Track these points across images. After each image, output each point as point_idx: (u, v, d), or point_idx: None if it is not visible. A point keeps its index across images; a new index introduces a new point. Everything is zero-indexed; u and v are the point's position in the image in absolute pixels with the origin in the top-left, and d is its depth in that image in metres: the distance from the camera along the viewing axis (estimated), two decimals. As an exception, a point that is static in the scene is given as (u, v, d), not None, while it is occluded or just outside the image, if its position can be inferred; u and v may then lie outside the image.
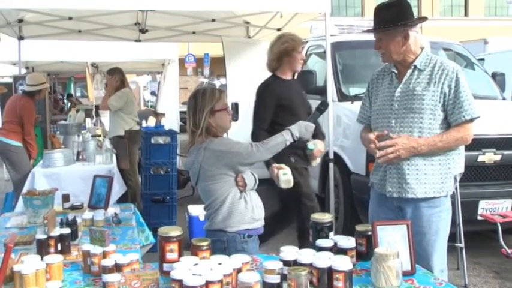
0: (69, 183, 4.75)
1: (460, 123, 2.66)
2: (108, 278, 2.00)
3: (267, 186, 3.24)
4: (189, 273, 1.95)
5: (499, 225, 4.14)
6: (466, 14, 27.68)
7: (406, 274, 2.15)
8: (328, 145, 4.79)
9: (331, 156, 4.96)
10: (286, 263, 2.09)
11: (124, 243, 3.01)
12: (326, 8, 4.98)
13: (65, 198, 3.92)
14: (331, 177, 4.97)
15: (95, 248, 2.38)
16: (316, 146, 3.85)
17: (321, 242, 2.32)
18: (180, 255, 2.25)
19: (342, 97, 5.60)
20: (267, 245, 3.58)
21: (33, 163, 5.72)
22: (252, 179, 2.70)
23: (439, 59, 2.76)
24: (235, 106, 6.07)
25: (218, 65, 13.20)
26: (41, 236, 2.65)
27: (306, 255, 2.13)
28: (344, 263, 2.02)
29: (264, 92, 3.99)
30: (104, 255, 2.33)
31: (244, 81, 6.51)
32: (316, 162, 4.02)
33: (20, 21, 6.90)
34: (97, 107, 9.26)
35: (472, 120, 2.67)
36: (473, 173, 4.64)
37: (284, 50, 3.97)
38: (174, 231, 2.30)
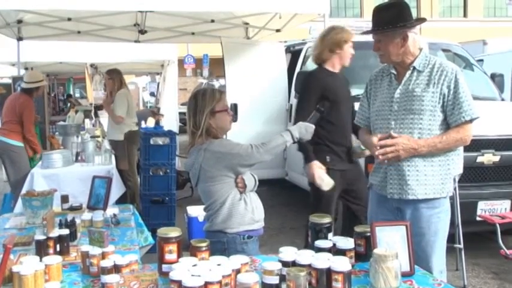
0: (68, 184, 4.75)
1: (459, 124, 2.65)
2: (107, 279, 2.00)
3: (267, 187, 3.21)
4: (188, 274, 1.95)
5: (497, 226, 4.13)
6: (465, 15, 27.67)
7: (405, 275, 2.15)
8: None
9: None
10: (285, 264, 2.09)
11: (123, 244, 3.00)
12: (325, 9, 4.99)
13: (64, 199, 3.91)
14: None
15: (93, 248, 2.38)
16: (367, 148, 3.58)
17: (319, 243, 2.32)
18: (179, 256, 2.25)
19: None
20: (266, 246, 3.58)
21: (35, 162, 5.71)
22: (252, 181, 2.70)
23: (437, 60, 2.76)
24: (235, 107, 6.05)
25: (217, 65, 13.19)
26: (39, 236, 2.65)
27: (305, 256, 2.14)
28: (343, 263, 2.02)
29: (310, 82, 3.74)
30: (103, 256, 2.33)
31: (243, 82, 6.51)
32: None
33: (19, 22, 6.91)
34: (96, 108, 9.26)
35: (471, 121, 2.67)
36: (472, 174, 4.64)
37: (338, 41, 3.72)
38: (173, 232, 2.30)
